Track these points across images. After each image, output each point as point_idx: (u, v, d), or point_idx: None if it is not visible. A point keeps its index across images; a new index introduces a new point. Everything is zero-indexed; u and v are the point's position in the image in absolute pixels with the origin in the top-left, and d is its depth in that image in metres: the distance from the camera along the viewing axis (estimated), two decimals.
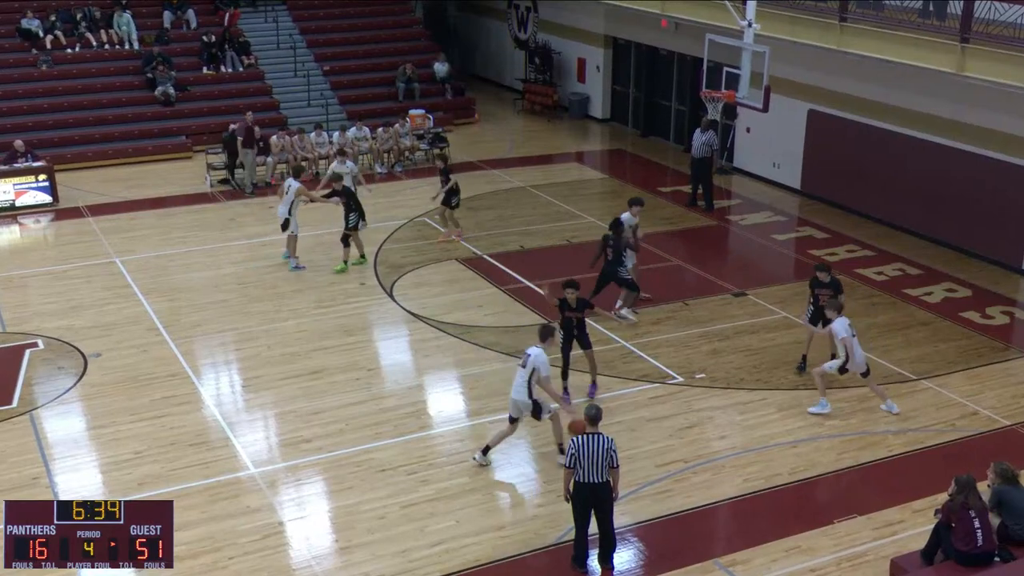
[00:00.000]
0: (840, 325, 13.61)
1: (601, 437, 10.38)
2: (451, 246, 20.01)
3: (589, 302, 14.20)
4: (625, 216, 16.75)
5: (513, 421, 12.63)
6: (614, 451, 10.39)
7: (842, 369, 13.74)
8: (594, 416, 10.52)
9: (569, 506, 10.70)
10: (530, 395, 12.42)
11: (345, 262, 18.94)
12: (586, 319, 14.10)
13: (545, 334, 12.62)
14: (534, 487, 12.45)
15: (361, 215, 18.93)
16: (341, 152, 21.61)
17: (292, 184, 18.63)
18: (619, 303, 16.60)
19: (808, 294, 14.98)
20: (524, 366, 12.42)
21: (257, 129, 24.27)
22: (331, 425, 13.64)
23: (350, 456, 12.92)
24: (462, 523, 11.61)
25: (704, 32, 20.13)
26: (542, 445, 13.20)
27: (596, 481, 10.38)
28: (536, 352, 12.40)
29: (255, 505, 11.93)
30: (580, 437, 10.41)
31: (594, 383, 14.39)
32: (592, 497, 10.49)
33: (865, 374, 13.87)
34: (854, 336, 13.60)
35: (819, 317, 14.53)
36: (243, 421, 13.88)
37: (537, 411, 12.54)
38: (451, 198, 20.16)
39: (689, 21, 23.27)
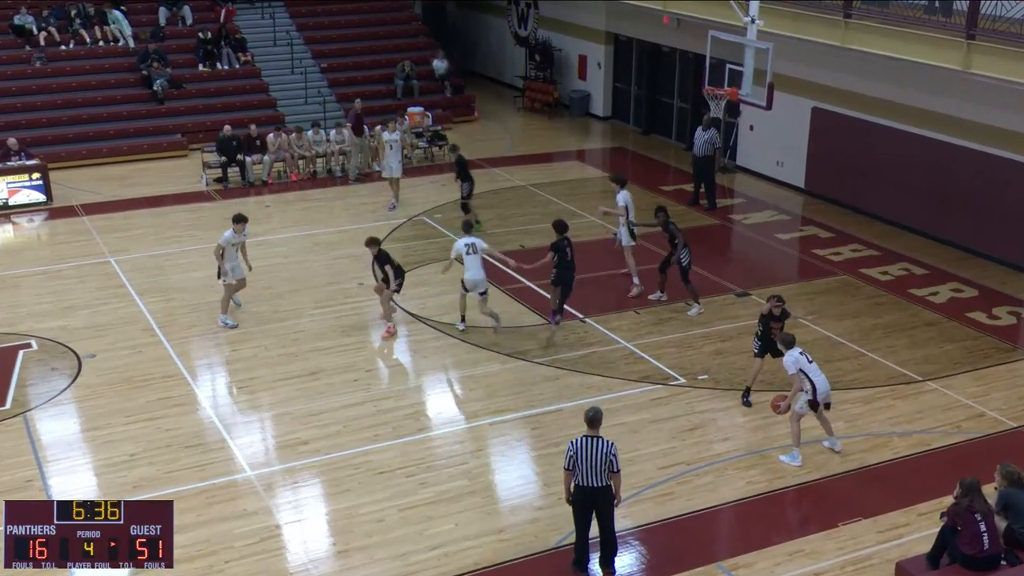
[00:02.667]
0: (789, 359, 12.58)
1: (601, 441, 10.36)
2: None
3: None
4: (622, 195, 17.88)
5: (467, 291, 16.06)
6: (614, 456, 10.36)
7: (812, 404, 12.61)
8: (593, 418, 10.48)
9: (570, 509, 10.70)
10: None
11: (478, 221, 20.21)
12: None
13: (467, 226, 16.91)
14: (534, 490, 12.44)
15: (472, 184, 20.52)
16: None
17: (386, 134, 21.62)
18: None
19: (757, 326, 14.18)
20: (475, 253, 15.83)
21: (254, 127, 24.32)
22: (329, 427, 13.63)
23: (348, 458, 12.92)
24: (461, 526, 11.61)
25: (707, 28, 20.13)
26: (542, 447, 13.21)
27: (596, 485, 10.36)
28: (477, 240, 16.15)
29: (252, 508, 11.93)
30: (579, 439, 10.39)
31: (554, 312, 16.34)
32: (592, 501, 10.49)
33: (828, 405, 12.81)
34: (811, 363, 12.60)
35: (768, 349, 13.81)
36: (239, 423, 13.88)
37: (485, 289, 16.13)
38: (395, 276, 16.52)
39: (691, 17, 23.25)
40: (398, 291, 16.40)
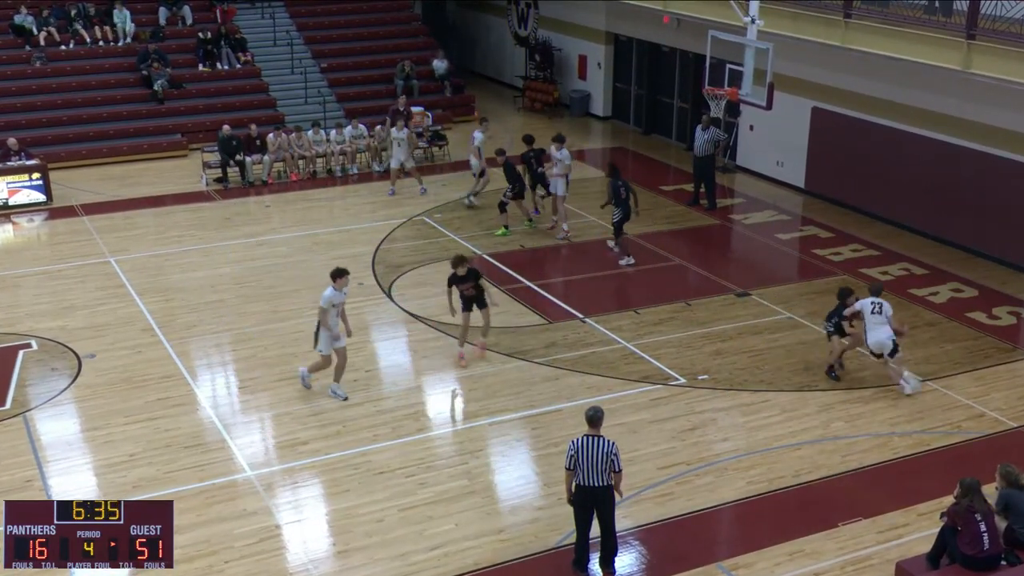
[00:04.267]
0: (860, 303, 14.34)
1: (602, 440, 10.36)
2: (451, 245, 19.99)
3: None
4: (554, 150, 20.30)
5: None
6: (615, 455, 10.35)
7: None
8: (593, 417, 10.48)
9: (570, 509, 10.71)
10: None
11: (505, 227, 20.60)
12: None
13: (484, 120, 23.33)
14: (534, 490, 12.44)
15: (514, 185, 20.58)
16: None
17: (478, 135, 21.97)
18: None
19: (839, 305, 14.68)
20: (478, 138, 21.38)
21: (254, 127, 24.31)
22: (328, 427, 13.63)
23: (347, 458, 12.91)
24: (461, 526, 11.61)
25: (707, 28, 20.13)
26: (542, 447, 13.22)
27: (596, 484, 10.36)
28: (478, 134, 21.66)
29: (252, 508, 11.93)
30: (580, 439, 10.39)
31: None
32: (592, 501, 10.48)
33: (893, 354, 14.30)
34: (874, 313, 14.10)
35: (838, 331, 14.82)
36: (239, 423, 13.87)
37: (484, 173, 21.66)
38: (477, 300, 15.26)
39: (691, 17, 23.26)
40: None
